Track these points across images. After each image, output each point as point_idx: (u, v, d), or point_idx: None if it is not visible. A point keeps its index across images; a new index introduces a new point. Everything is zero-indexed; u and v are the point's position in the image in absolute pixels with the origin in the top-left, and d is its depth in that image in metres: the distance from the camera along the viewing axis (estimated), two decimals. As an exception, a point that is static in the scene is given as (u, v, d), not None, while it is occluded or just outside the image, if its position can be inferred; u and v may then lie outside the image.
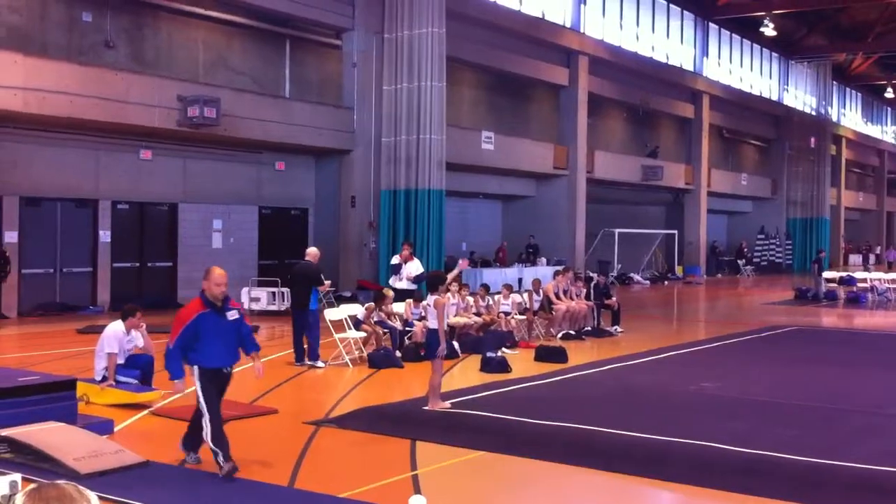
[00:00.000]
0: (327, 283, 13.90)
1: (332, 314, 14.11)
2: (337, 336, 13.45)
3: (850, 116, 56.26)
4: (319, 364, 13.01)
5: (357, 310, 14.56)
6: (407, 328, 14.69)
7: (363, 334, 13.89)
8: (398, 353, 13.60)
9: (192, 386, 7.37)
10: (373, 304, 14.52)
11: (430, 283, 10.19)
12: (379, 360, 13.11)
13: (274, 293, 19.92)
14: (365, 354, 13.53)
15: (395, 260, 16.85)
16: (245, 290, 20.42)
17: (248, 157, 23.08)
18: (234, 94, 21.02)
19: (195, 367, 7.25)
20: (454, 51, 24.22)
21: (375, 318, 14.23)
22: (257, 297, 20.18)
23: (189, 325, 7.16)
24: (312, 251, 13.93)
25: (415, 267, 16.43)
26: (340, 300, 19.95)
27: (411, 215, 22.37)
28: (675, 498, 7.43)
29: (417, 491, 6.92)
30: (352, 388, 11.62)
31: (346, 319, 13.98)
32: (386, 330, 14.22)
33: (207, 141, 21.21)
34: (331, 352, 13.58)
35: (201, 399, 7.20)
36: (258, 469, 7.51)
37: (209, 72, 22.23)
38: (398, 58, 22.54)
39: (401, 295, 15.70)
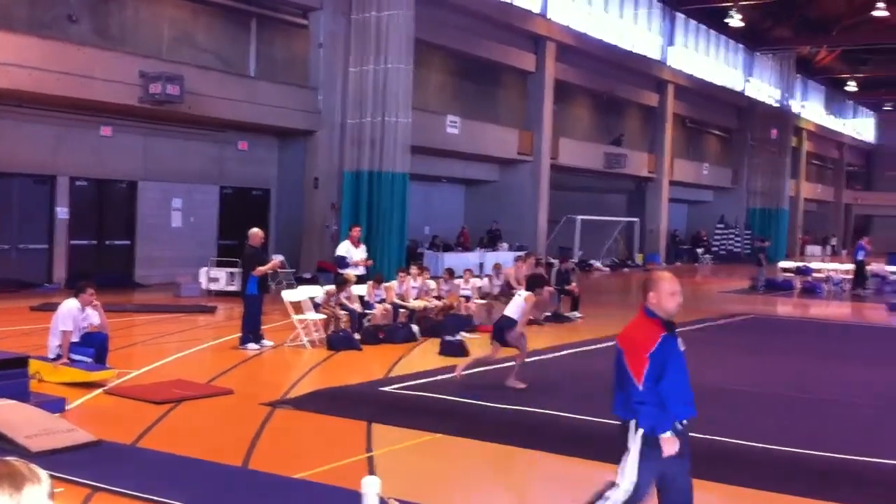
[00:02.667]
0: (269, 265, 13.57)
1: (291, 295, 14.05)
2: (295, 317, 13.40)
3: (812, 109, 56.88)
4: (250, 347, 12.77)
5: (317, 291, 14.52)
6: (366, 310, 14.67)
7: (322, 316, 13.85)
8: (357, 336, 13.58)
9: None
10: (334, 287, 14.48)
11: (531, 283, 11.09)
12: (337, 342, 13.09)
13: (233, 274, 19.79)
14: (324, 336, 13.51)
15: (342, 250, 16.08)
16: (204, 270, 20.29)
17: (210, 135, 22.85)
18: (199, 72, 20.78)
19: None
20: (422, 33, 24.09)
21: (334, 301, 14.18)
22: (216, 278, 20.04)
23: (657, 352, 4.90)
24: (251, 232, 13.36)
25: (361, 253, 16.21)
26: (301, 282, 19.87)
27: (374, 198, 22.26)
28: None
29: (372, 472, 6.93)
30: (309, 370, 11.60)
31: (305, 301, 13.94)
32: (346, 312, 14.19)
33: (169, 118, 20.96)
34: (289, 333, 13.55)
35: (633, 474, 4.96)
36: (212, 450, 7.47)
37: (174, 49, 21.95)
38: (365, 39, 22.37)
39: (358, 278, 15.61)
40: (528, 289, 10.95)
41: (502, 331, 10.60)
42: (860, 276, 27.60)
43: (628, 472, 4.96)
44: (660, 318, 5.02)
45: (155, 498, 6.15)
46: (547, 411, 9.06)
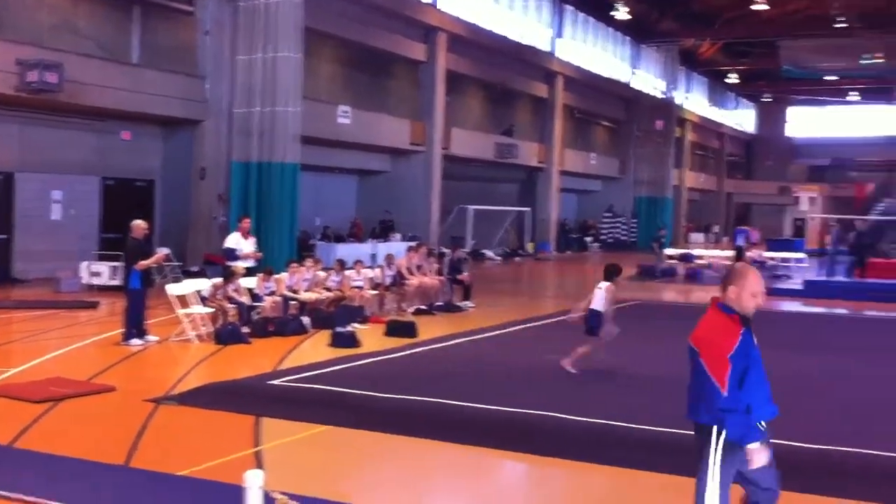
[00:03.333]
0: (153, 258, 13.23)
1: (176, 289, 13.73)
2: (181, 311, 13.11)
3: (696, 100, 58.59)
4: (134, 342, 12.48)
5: (204, 284, 14.22)
6: (255, 303, 14.44)
7: (209, 310, 13.58)
8: (246, 329, 13.37)
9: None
10: (221, 280, 14.21)
11: (608, 272, 11.19)
12: (225, 336, 12.87)
13: (116, 267, 19.19)
14: (211, 330, 13.25)
15: (232, 242, 15.82)
16: (85, 264, 19.65)
17: (91, 125, 22.09)
18: (79, 60, 20.08)
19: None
20: (313, 22, 23.77)
21: (221, 294, 13.90)
22: (98, 272, 19.42)
23: (738, 353, 4.54)
24: (133, 224, 13.00)
25: (251, 245, 15.95)
26: (188, 275, 19.43)
27: (264, 189, 21.89)
28: (528, 469, 7.59)
29: (260, 466, 6.83)
30: (196, 365, 11.37)
31: (191, 295, 13.64)
32: (234, 305, 13.95)
33: (48, 107, 20.21)
34: (175, 328, 13.24)
35: (718, 482, 4.57)
36: (93, 449, 7.25)
37: (53, 36, 21.11)
38: (254, 26, 21.93)
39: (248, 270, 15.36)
40: (606, 279, 11.10)
41: (592, 324, 10.86)
42: (739, 261, 28.58)
43: (710, 482, 4.57)
44: (737, 313, 4.67)
45: (33, 499, 5.93)
46: (439, 400, 9.08)
